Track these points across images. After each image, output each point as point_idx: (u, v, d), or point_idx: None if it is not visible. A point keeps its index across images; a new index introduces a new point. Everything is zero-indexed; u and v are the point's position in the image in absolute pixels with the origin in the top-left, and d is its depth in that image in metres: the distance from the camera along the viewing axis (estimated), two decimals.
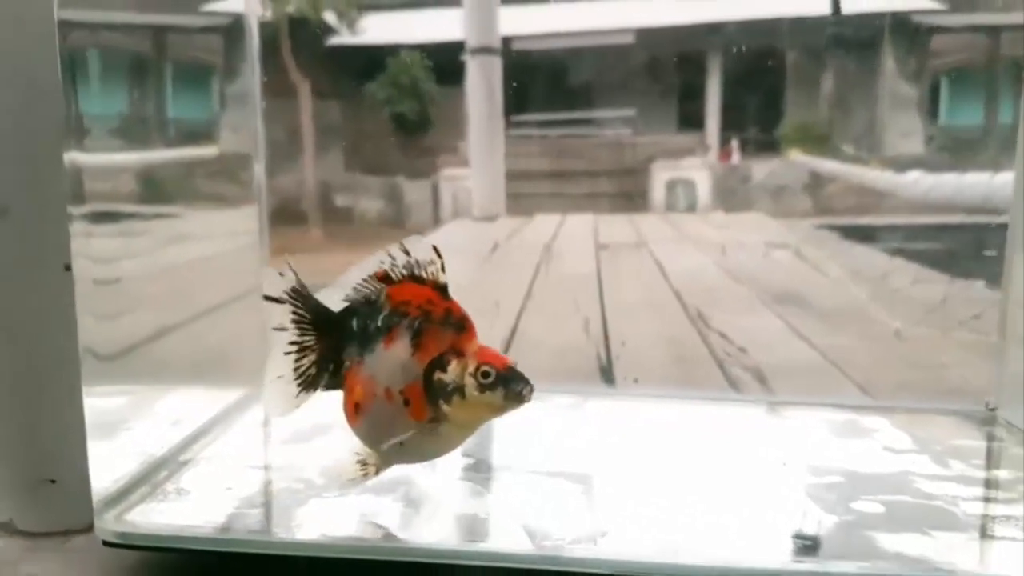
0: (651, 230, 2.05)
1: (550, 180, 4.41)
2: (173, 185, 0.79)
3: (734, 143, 4.50)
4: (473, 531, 0.56)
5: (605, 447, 0.72)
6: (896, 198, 1.49)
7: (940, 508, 0.59)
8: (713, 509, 0.59)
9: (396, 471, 0.62)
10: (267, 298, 0.55)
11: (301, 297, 0.55)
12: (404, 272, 0.52)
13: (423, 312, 0.51)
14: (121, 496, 0.59)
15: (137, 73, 0.72)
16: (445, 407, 0.51)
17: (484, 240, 2.06)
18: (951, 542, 0.54)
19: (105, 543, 0.55)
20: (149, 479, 0.62)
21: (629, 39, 4.26)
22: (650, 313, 1.23)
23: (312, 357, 0.55)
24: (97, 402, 0.58)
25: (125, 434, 0.65)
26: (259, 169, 0.86)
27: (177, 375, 0.74)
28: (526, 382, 0.51)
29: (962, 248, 1.03)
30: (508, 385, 0.50)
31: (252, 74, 0.85)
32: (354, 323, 0.54)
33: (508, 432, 0.74)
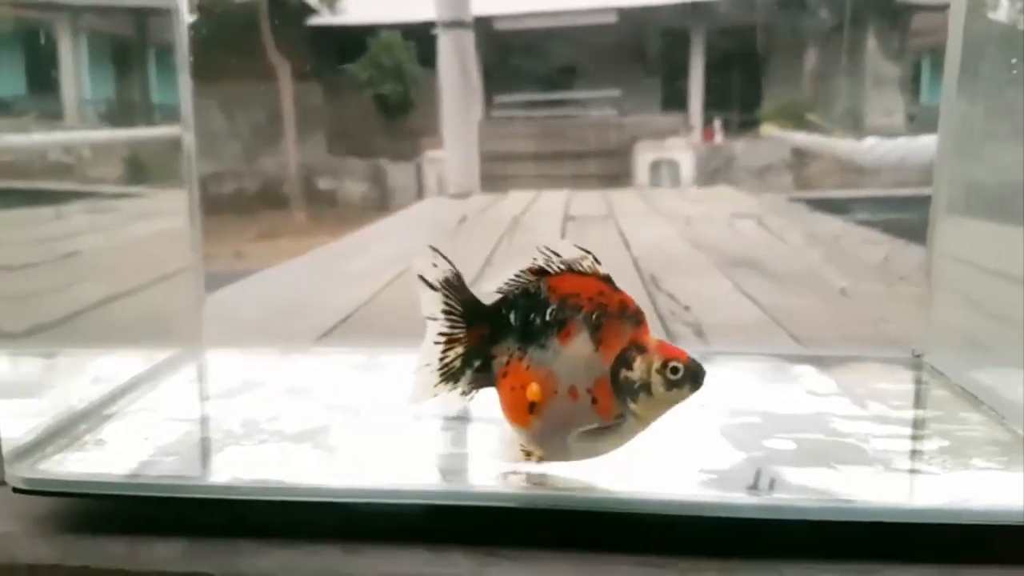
0: (623, 204, 2.06)
1: (534, 161, 4.40)
2: (93, 165, 0.79)
3: (717, 123, 4.49)
4: (388, 471, 0.56)
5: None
6: (868, 171, 1.50)
7: (851, 444, 0.59)
8: (626, 446, 0.59)
9: (320, 417, 0.63)
10: (421, 279, 0.53)
11: (453, 288, 0.53)
12: (560, 267, 0.50)
13: (597, 305, 0.49)
14: (36, 447, 0.60)
15: (48, 50, 0.72)
16: (633, 405, 0.49)
17: (455, 215, 2.06)
18: (856, 475, 0.55)
19: (15, 490, 0.55)
20: (68, 432, 0.63)
21: (612, 18, 4.24)
22: None
23: (459, 349, 0.53)
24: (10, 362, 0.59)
25: (49, 391, 0.66)
26: (189, 151, 0.85)
27: (108, 340, 0.74)
28: (704, 371, 0.49)
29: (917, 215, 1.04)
30: (696, 380, 0.49)
31: (180, 53, 0.84)
32: (512, 317, 0.51)
33: None
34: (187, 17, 0.85)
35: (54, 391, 0.66)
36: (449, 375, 0.53)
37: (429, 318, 0.53)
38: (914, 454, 0.58)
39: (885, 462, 0.56)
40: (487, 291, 0.53)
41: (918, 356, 0.77)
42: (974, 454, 0.58)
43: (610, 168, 4.38)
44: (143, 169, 0.87)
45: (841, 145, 1.58)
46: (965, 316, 0.75)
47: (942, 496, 0.53)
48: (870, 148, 1.34)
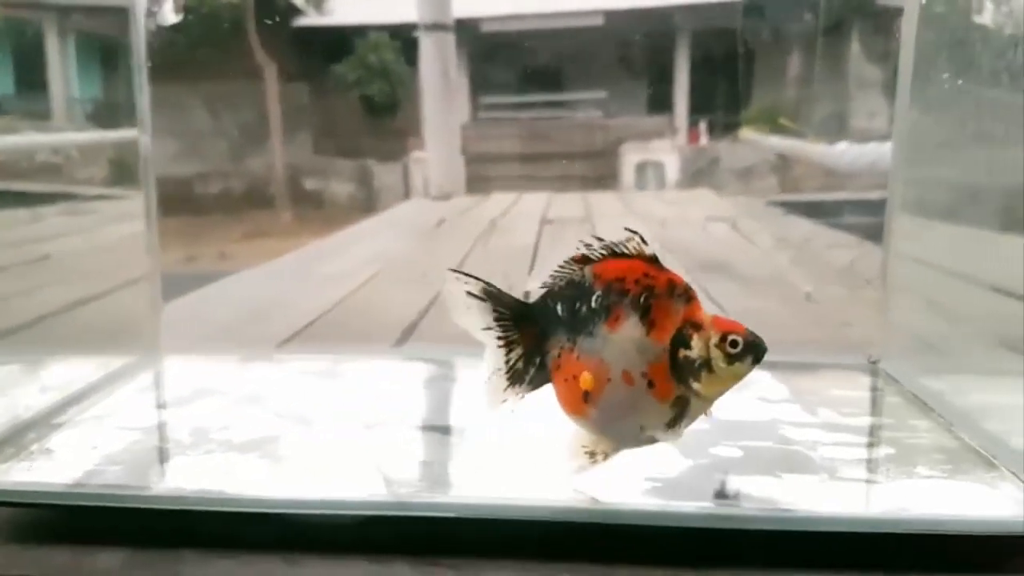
0: (602, 206, 2.06)
1: (521, 162, 4.40)
2: (45, 167, 0.79)
3: (702, 125, 4.51)
4: (333, 483, 0.56)
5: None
6: (840, 175, 1.51)
7: (797, 452, 0.59)
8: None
9: (271, 427, 0.63)
10: (471, 295, 0.53)
11: (492, 295, 0.53)
12: (603, 252, 0.49)
13: (644, 287, 0.48)
14: None
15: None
16: (695, 384, 0.47)
17: (434, 218, 2.06)
18: (799, 484, 0.55)
19: None
20: (15, 441, 0.62)
21: (598, 21, 4.25)
22: None
23: (519, 351, 0.52)
24: None
25: None
26: (145, 153, 0.85)
27: (62, 346, 0.74)
28: (763, 343, 0.47)
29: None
30: (756, 351, 0.47)
31: (138, 53, 0.83)
32: (559, 309, 0.50)
33: (387, 390, 0.75)
34: (143, 16, 0.84)
35: (3, 400, 0.66)
36: (514, 377, 0.53)
37: (486, 330, 0.53)
38: (859, 462, 0.58)
39: (830, 470, 0.57)
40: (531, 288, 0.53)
41: (874, 362, 0.78)
42: (919, 462, 0.58)
43: (596, 169, 4.38)
44: (104, 171, 0.86)
45: (814, 149, 1.59)
46: (920, 320, 0.75)
47: (882, 505, 0.53)
48: (841, 153, 1.34)
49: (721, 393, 0.49)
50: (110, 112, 0.91)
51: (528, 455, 0.61)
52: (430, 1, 2.50)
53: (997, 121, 0.63)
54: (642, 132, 4.35)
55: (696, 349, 0.47)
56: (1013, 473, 0.56)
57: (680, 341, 0.47)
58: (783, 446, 0.60)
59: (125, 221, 0.87)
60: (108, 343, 0.79)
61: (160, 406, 0.70)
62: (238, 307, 1.07)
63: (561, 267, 0.50)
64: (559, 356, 0.51)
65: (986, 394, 0.65)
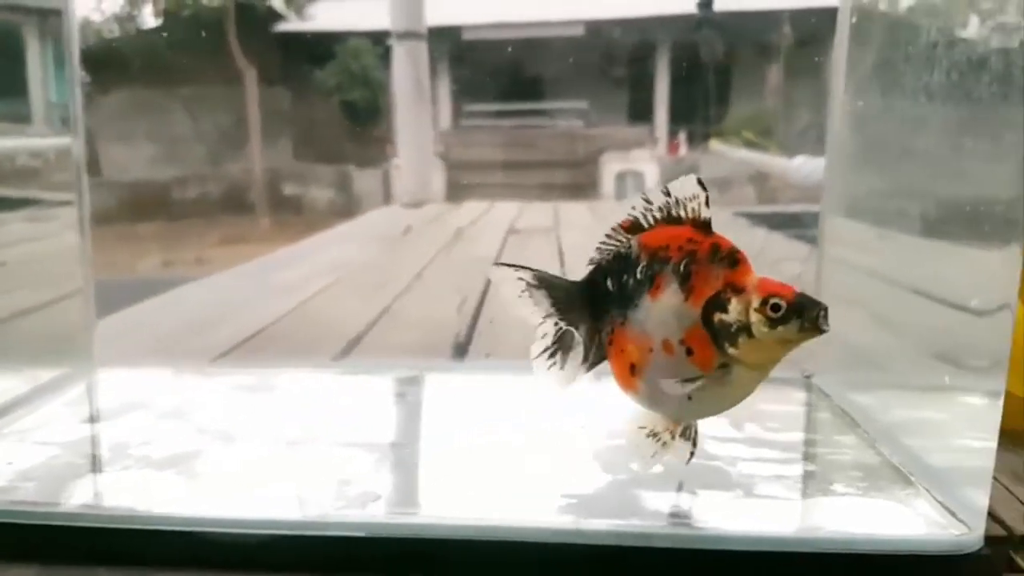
0: (571, 216, 2.05)
1: (502, 170, 4.39)
2: None
3: (682, 136, 4.53)
4: (247, 501, 0.56)
5: (421, 419, 0.72)
6: (798, 188, 1.51)
7: (717, 468, 0.59)
8: (496, 472, 0.59)
9: (192, 443, 0.63)
10: (527, 284, 0.53)
11: (538, 279, 0.52)
12: (658, 215, 0.48)
13: (686, 253, 0.46)
14: None
15: None
16: (732, 350, 0.45)
17: (402, 225, 2.05)
18: (713, 500, 0.55)
19: None
20: None
21: (579, 31, 4.26)
22: None
23: (573, 333, 0.52)
24: None
25: None
26: (79, 161, 0.83)
27: None
28: (821, 306, 0.45)
29: None
30: (803, 314, 0.44)
31: (71, 57, 0.82)
32: (608, 283, 0.50)
33: (323, 404, 0.74)
34: (76, 20, 0.82)
35: None
36: (575, 359, 0.52)
37: (542, 320, 0.53)
38: (777, 479, 0.58)
39: (747, 487, 0.56)
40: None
41: (808, 377, 0.78)
42: (836, 479, 0.58)
43: (576, 178, 4.38)
44: (39, 179, 0.85)
45: (774, 162, 1.60)
46: (855, 332, 0.75)
47: (791, 523, 0.53)
48: (798, 167, 1.35)
49: (771, 361, 0.47)
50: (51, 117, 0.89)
51: (453, 471, 0.61)
52: (403, 9, 2.50)
53: (920, 135, 0.63)
54: (622, 142, 4.36)
55: (733, 313, 0.45)
56: (927, 491, 0.56)
57: (716, 305, 0.45)
58: (704, 461, 0.60)
59: (68, 231, 0.86)
60: (40, 356, 0.78)
61: (84, 421, 0.69)
62: (187, 318, 1.06)
63: (609, 236, 0.50)
64: (612, 331, 0.50)
65: (912, 409, 0.65)
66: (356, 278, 1.34)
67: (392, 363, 0.84)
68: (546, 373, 0.52)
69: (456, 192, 3.80)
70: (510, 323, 1.08)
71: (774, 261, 1.31)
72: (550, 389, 0.52)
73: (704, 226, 0.47)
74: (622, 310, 0.48)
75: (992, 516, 0.54)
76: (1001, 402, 0.51)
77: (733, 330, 0.45)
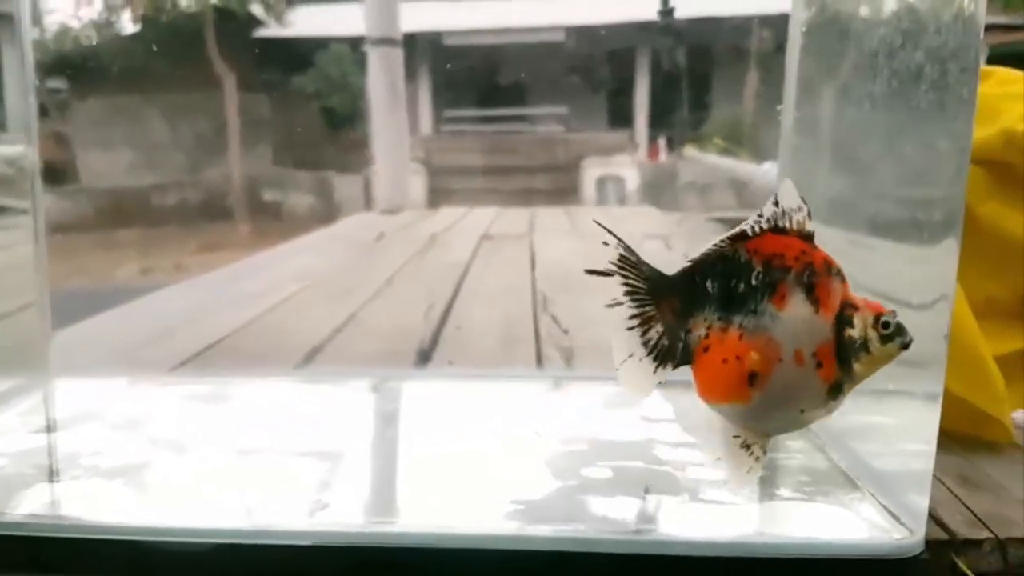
0: (546, 222, 2.07)
1: (483, 175, 4.40)
2: None
3: (661, 141, 4.55)
4: (196, 510, 0.56)
5: (376, 427, 0.72)
6: (767, 193, 1.53)
7: (665, 473, 0.60)
8: (445, 479, 0.59)
9: (144, 453, 0.62)
10: (589, 272, 0.49)
11: (631, 264, 0.48)
12: (765, 226, 0.46)
13: (804, 264, 0.46)
14: None
15: None
16: (856, 365, 0.46)
17: (377, 231, 2.05)
18: (660, 505, 0.55)
19: None
20: None
21: (559, 36, 4.27)
22: (499, 299, 1.24)
23: (659, 328, 0.48)
24: None
25: None
26: (32, 169, 0.82)
27: None
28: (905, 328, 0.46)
29: None
30: (904, 333, 0.46)
31: (25, 62, 0.81)
32: (708, 285, 0.47)
33: (279, 414, 0.74)
34: (28, 25, 0.80)
35: None
36: (661, 357, 0.48)
37: (610, 305, 0.48)
38: (724, 483, 0.58)
39: (693, 492, 0.57)
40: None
41: None
42: (783, 484, 0.59)
43: (557, 183, 4.41)
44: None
45: (744, 168, 1.62)
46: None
47: (736, 528, 0.53)
48: (765, 172, 1.36)
49: (867, 377, 0.47)
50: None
51: (403, 479, 0.61)
52: (377, 16, 2.51)
53: (867, 140, 0.64)
54: (603, 147, 4.39)
55: (858, 329, 0.46)
56: (872, 495, 0.56)
57: (845, 320, 0.46)
58: (653, 466, 0.61)
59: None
60: None
61: (36, 431, 0.69)
62: (149, 327, 1.06)
63: (714, 246, 0.47)
64: (707, 336, 0.47)
65: (860, 413, 0.65)
66: (324, 286, 1.34)
67: (353, 371, 0.84)
68: (634, 373, 0.48)
69: (435, 197, 3.80)
70: (477, 329, 1.09)
71: None
72: (637, 390, 0.49)
73: (809, 238, 0.46)
74: (727, 314, 0.47)
75: (935, 520, 0.55)
76: (939, 404, 0.51)
77: (857, 346, 0.46)
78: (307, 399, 0.79)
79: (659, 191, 3.73)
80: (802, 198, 0.45)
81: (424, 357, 0.95)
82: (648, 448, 0.64)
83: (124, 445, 0.65)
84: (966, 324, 0.67)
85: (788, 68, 0.74)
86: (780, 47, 0.77)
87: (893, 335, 0.45)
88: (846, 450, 0.62)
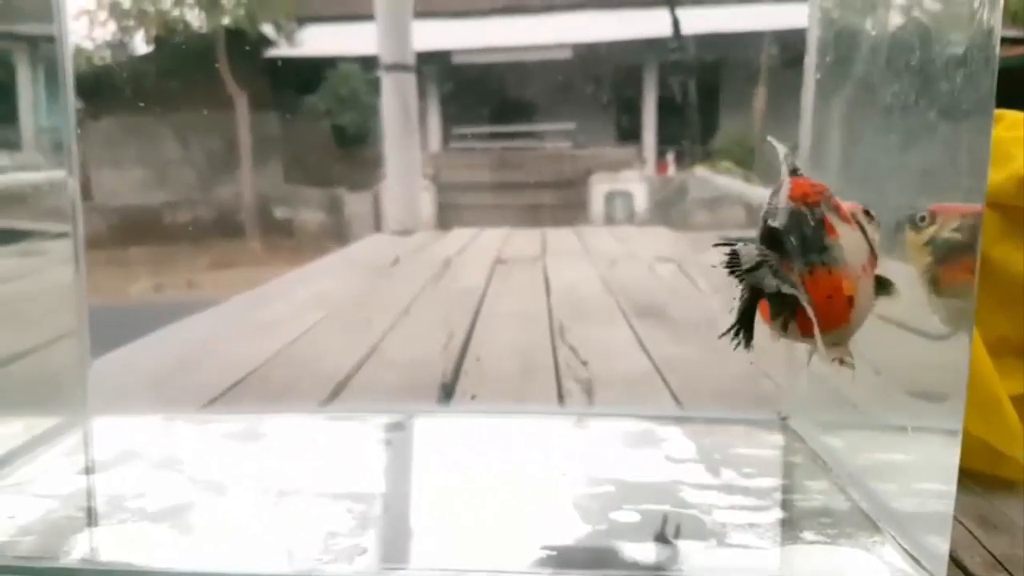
0: (557, 244, 2.09)
1: (492, 191, 4.43)
2: None
3: (670, 156, 4.57)
4: (237, 554, 0.58)
5: (403, 466, 0.74)
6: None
7: (693, 517, 0.61)
8: (475, 523, 0.61)
9: (185, 494, 0.65)
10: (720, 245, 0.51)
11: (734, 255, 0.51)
12: (788, 176, 0.51)
13: (822, 194, 0.51)
14: None
15: None
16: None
17: (392, 255, 2.08)
18: (688, 550, 0.57)
19: None
20: None
21: (567, 54, 4.31)
22: (517, 327, 1.26)
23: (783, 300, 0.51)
24: None
25: None
26: (73, 197, 0.83)
27: None
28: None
29: None
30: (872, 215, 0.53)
31: (65, 87, 0.81)
32: (792, 241, 0.50)
33: (311, 452, 0.76)
34: (70, 48, 0.80)
35: None
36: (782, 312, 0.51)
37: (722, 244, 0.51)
38: (750, 527, 0.60)
39: (720, 536, 0.59)
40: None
41: (784, 418, 0.80)
42: (807, 527, 0.60)
43: (566, 198, 4.44)
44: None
45: (754, 190, 1.63)
46: (824, 371, 0.77)
47: (762, 573, 0.55)
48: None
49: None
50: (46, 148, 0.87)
51: (437, 521, 0.63)
52: (391, 41, 2.54)
53: (881, 154, 0.66)
54: (611, 162, 4.42)
55: (869, 229, 0.52)
56: (894, 537, 0.58)
57: (861, 227, 0.52)
58: (681, 509, 0.63)
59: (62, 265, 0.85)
60: (35, 403, 0.79)
61: (81, 472, 0.71)
62: (176, 359, 1.08)
63: (769, 205, 0.51)
64: (803, 283, 0.50)
65: (880, 451, 0.67)
66: (343, 315, 1.37)
67: (379, 407, 0.87)
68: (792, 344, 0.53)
69: (445, 216, 3.83)
70: (496, 360, 1.11)
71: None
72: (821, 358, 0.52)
73: (799, 174, 0.52)
74: (809, 258, 0.50)
75: (955, 562, 0.56)
76: (959, 442, 0.52)
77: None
78: (336, 437, 0.81)
79: (669, 207, 3.75)
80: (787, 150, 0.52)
81: (447, 391, 0.97)
82: (675, 490, 0.66)
83: (166, 486, 0.67)
84: (982, 363, 0.69)
85: (805, 86, 0.76)
86: (792, 63, 0.79)
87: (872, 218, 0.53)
88: (866, 490, 0.64)
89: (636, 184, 4.27)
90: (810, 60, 0.77)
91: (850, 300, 0.51)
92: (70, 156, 0.83)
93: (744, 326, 0.51)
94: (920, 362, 0.58)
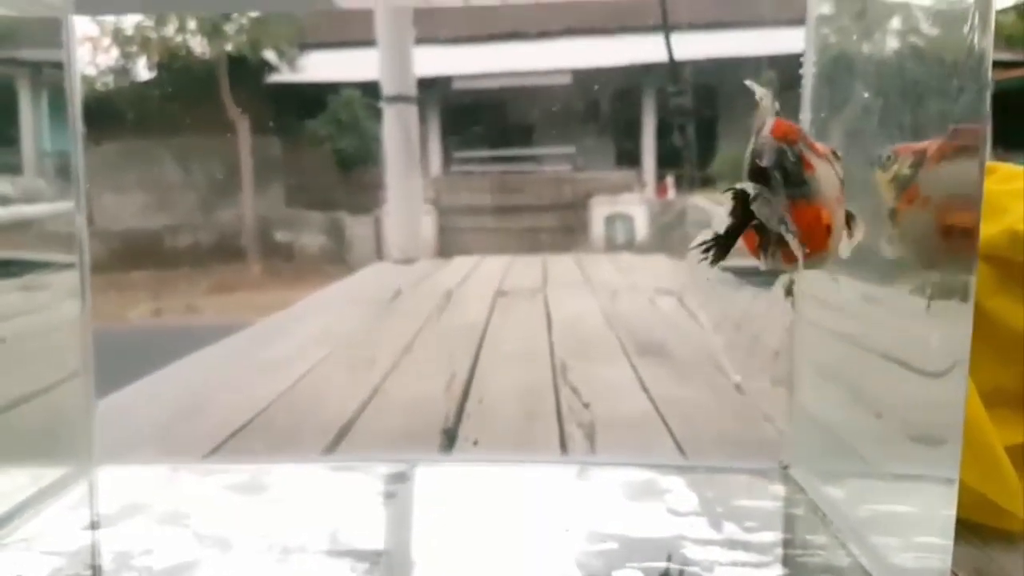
0: (558, 274, 2.10)
1: (493, 214, 4.45)
2: None
3: (669, 179, 4.60)
4: None
5: (407, 519, 0.74)
6: None
7: (694, 574, 0.62)
8: None
9: (191, 551, 0.65)
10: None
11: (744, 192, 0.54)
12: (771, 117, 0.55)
13: (799, 132, 0.55)
14: None
15: None
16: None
17: (393, 286, 2.09)
18: None
19: None
20: None
21: (567, 79, 4.35)
22: (519, 366, 1.27)
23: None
24: None
25: None
26: (80, 232, 0.82)
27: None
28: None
29: None
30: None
31: (73, 116, 0.81)
32: (776, 176, 0.53)
33: (314, 505, 0.77)
34: (78, 75, 0.79)
35: None
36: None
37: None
38: None
39: None
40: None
41: (785, 467, 0.81)
42: None
43: (566, 221, 4.46)
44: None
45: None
46: (828, 410, 0.77)
47: None
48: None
49: None
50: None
51: None
52: (393, 72, 2.56)
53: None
54: (611, 185, 4.45)
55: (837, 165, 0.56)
56: None
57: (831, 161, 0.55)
58: (683, 566, 0.63)
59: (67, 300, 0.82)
60: (40, 453, 0.80)
61: (87, 527, 0.72)
62: (179, 402, 1.09)
63: (755, 144, 0.54)
64: (790, 212, 0.53)
65: (878, 503, 0.68)
66: (346, 352, 1.37)
67: (382, 456, 0.87)
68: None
69: (447, 240, 3.84)
70: (498, 402, 1.11)
71: (763, 328, 1.34)
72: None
73: (779, 114, 0.55)
74: (790, 190, 0.54)
75: None
76: (955, 492, 0.52)
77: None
78: (339, 488, 0.81)
79: (668, 232, 3.76)
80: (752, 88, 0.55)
81: (449, 436, 0.98)
82: (677, 546, 0.66)
83: (172, 542, 0.67)
84: (977, 413, 0.69)
85: (804, 103, 0.77)
86: (790, 86, 0.80)
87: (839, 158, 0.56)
88: (866, 545, 0.64)
89: (636, 207, 4.30)
90: (807, 83, 0.79)
91: (828, 228, 0.55)
92: (78, 184, 0.82)
93: (721, 246, 0.54)
94: (916, 401, 0.58)
